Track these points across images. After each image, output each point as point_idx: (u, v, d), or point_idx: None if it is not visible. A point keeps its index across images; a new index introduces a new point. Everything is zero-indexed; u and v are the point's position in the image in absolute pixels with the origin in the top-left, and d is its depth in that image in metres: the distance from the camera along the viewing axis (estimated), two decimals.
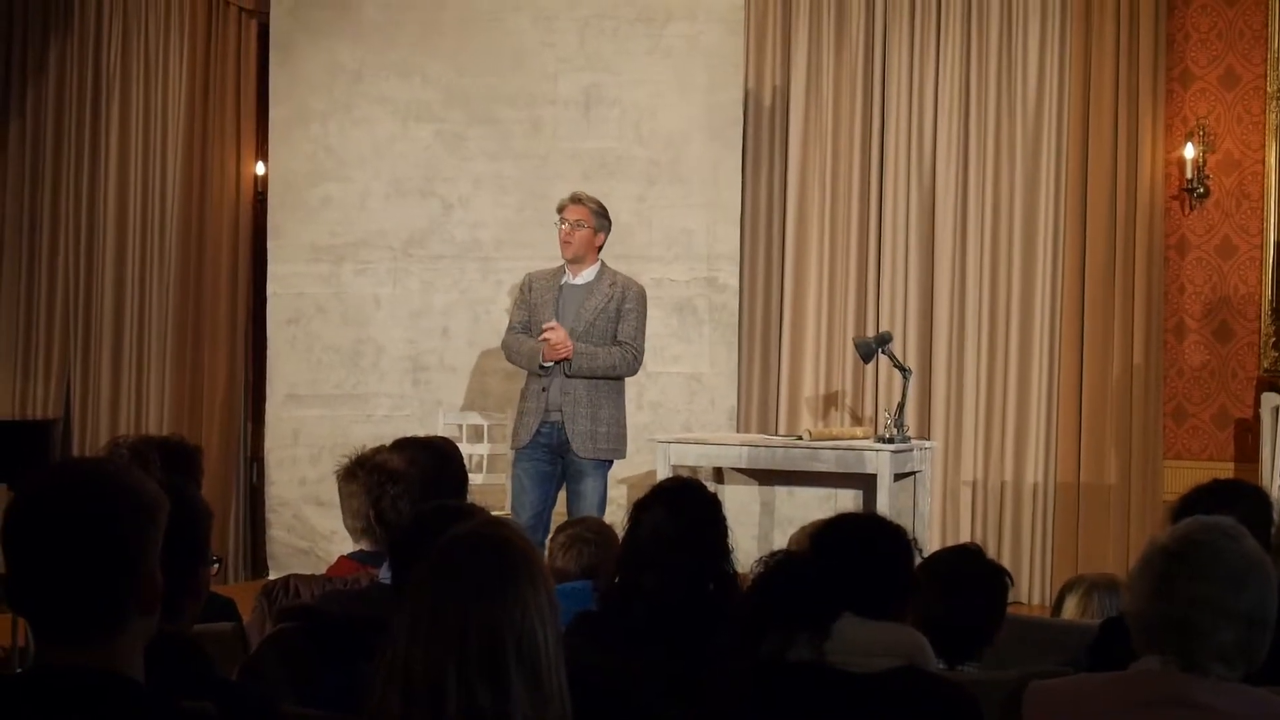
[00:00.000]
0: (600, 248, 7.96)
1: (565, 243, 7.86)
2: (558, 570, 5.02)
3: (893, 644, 3.46)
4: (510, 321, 8.10)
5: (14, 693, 2.42)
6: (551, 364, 7.73)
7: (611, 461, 7.92)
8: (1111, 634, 3.80)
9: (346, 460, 4.96)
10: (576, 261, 7.90)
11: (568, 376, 7.75)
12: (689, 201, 9.69)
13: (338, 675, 3.54)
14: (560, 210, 7.92)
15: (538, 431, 7.77)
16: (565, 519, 7.88)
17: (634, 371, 8.03)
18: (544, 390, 7.78)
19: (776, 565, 3.47)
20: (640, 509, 4.05)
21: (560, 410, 7.76)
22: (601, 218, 7.93)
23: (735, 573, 4.03)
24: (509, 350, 8.04)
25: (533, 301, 7.93)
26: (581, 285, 7.91)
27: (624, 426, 7.96)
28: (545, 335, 7.69)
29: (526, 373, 7.95)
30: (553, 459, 7.81)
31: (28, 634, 2.59)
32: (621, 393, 7.98)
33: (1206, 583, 2.91)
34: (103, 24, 10.72)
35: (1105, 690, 3.02)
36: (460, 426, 9.19)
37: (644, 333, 7.98)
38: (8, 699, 2.40)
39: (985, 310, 9.74)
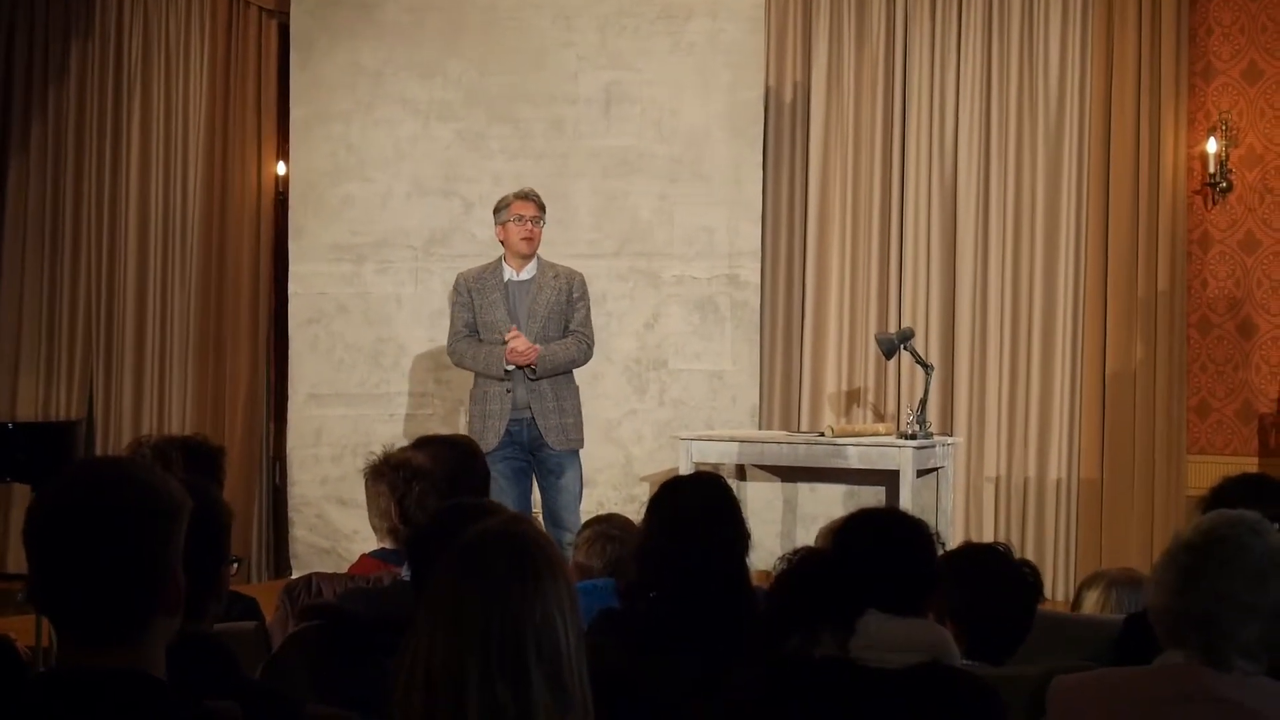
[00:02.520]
0: None
1: (529, 239, 7.84)
2: (582, 567, 5.02)
3: (917, 640, 3.45)
4: (454, 326, 8.01)
5: (37, 693, 2.42)
6: (513, 367, 7.75)
7: (579, 450, 7.97)
8: (1136, 629, 3.79)
9: (374, 458, 4.97)
10: (529, 258, 7.91)
11: (532, 380, 7.78)
12: (710, 199, 9.67)
13: (360, 673, 3.55)
14: (504, 206, 7.88)
15: (507, 431, 7.77)
16: (540, 514, 7.96)
17: (589, 359, 8.08)
18: (509, 391, 7.78)
19: (799, 563, 3.46)
20: (655, 504, 4.05)
21: (529, 408, 7.78)
22: (545, 211, 7.98)
23: (747, 567, 4.03)
24: (460, 356, 7.99)
25: (477, 303, 7.91)
26: (526, 280, 7.91)
27: (582, 415, 8.00)
28: (511, 344, 7.70)
29: (476, 375, 7.95)
30: (524, 455, 7.84)
31: (52, 634, 2.59)
32: (575, 381, 8.02)
33: (1230, 578, 2.90)
34: (123, 25, 10.74)
35: (1129, 685, 3.01)
36: None
37: (591, 318, 8.04)
38: (31, 699, 2.41)
39: (1008, 305, 9.73)
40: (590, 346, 8.00)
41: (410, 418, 9.54)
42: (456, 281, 8.10)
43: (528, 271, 7.91)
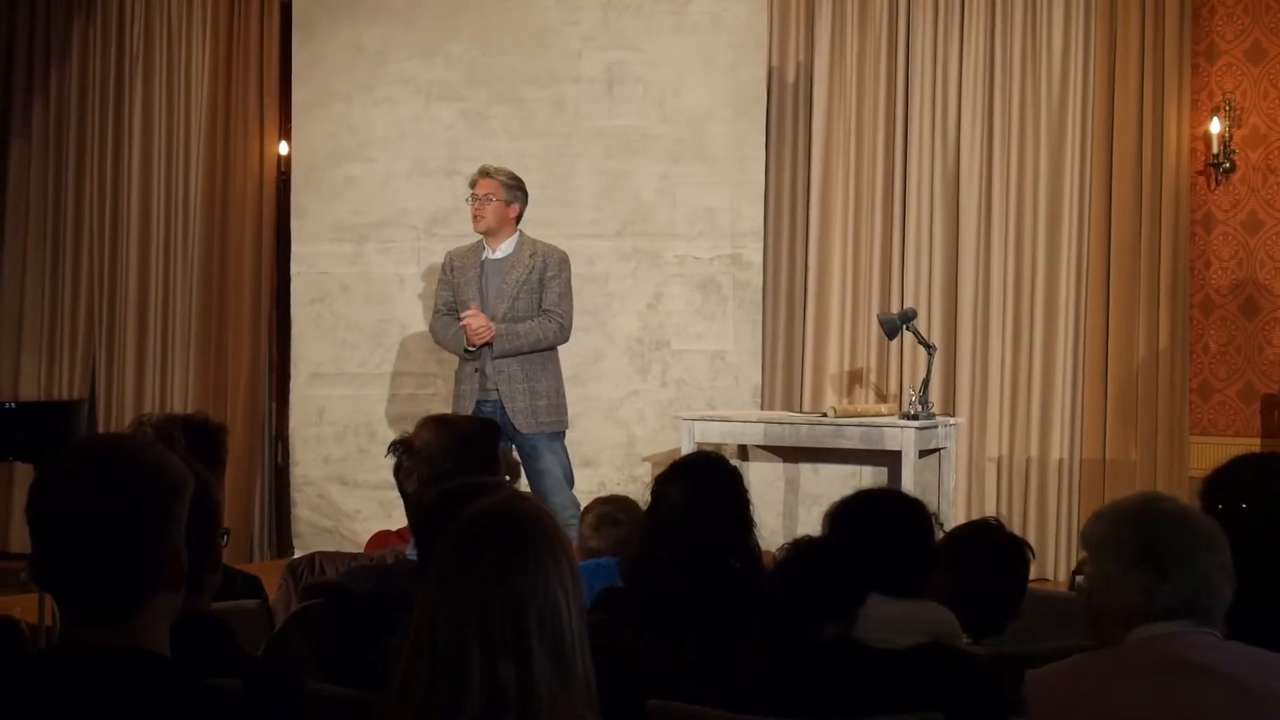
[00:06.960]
0: (517, 219, 7.94)
1: (477, 217, 7.83)
2: (589, 550, 5.02)
3: (920, 622, 3.46)
4: (435, 304, 8.05)
5: (40, 671, 2.42)
6: (476, 346, 7.72)
7: (562, 432, 7.91)
8: None
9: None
10: (491, 235, 7.87)
11: (495, 360, 7.74)
12: (713, 179, 9.66)
13: (363, 651, 3.55)
14: (471, 186, 7.90)
15: (477, 411, 7.69)
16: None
17: (564, 340, 8.00)
18: (477, 371, 7.76)
19: (800, 553, 3.45)
20: (661, 484, 4.05)
21: (497, 389, 7.73)
22: (513, 189, 7.89)
23: (759, 547, 4.02)
24: (435, 334, 8.04)
25: (455, 281, 7.90)
26: (501, 259, 7.88)
27: (563, 396, 7.93)
28: (465, 322, 7.66)
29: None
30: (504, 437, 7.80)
31: (55, 612, 2.59)
32: (556, 362, 7.96)
33: (1196, 547, 2.95)
34: (125, 5, 10.73)
35: (1104, 668, 2.99)
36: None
37: (570, 298, 7.95)
38: (33, 677, 2.41)
39: (1010, 286, 9.71)
40: (563, 327, 7.90)
41: (412, 397, 9.54)
42: (444, 258, 8.13)
43: (504, 250, 7.89)
